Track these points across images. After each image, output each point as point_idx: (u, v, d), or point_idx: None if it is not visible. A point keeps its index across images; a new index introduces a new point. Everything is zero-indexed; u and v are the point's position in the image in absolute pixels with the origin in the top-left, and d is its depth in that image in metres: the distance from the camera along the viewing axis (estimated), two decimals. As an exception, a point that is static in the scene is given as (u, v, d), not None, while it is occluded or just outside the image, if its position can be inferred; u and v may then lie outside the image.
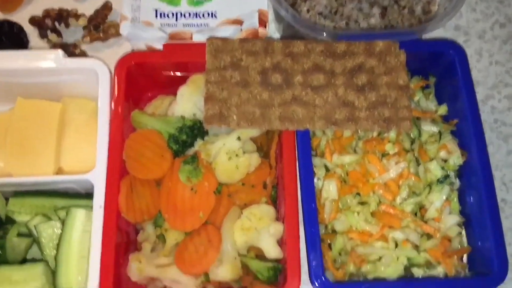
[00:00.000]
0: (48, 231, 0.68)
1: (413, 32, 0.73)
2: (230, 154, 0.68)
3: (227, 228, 0.66)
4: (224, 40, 0.71)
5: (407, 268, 0.68)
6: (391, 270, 0.66)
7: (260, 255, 0.69)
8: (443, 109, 0.76)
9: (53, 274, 0.67)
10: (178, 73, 0.75)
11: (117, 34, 0.84)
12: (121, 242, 0.67)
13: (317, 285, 0.63)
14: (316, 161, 0.71)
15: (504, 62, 0.87)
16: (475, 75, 0.86)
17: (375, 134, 0.72)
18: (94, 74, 0.72)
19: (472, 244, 0.71)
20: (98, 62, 0.72)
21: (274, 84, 0.69)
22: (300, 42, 0.71)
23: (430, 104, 0.77)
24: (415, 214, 0.70)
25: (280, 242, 0.69)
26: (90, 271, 0.64)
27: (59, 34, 0.85)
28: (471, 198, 0.71)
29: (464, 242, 0.72)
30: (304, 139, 0.69)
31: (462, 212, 0.72)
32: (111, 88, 0.71)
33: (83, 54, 0.85)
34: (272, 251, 0.67)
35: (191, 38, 0.76)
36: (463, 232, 0.72)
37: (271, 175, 0.72)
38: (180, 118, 0.71)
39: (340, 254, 0.69)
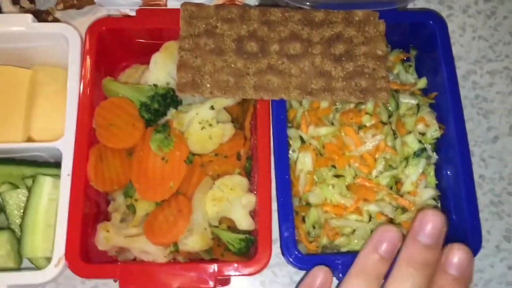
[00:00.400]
0: (14, 199, 0.66)
1: (394, 2, 0.71)
2: (203, 124, 0.67)
3: (198, 198, 0.65)
4: (199, 6, 0.69)
5: (380, 241, 0.67)
6: (364, 243, 0.65)
7: (232, 227, 0.68)
8: (422, 83, 0.75)
9: (18, 242, 0.65)
10: (152, 41, 0.72)
11: (92, 1, 0.81)
12: (89, 211, 0.66)
13: (288, 256, 0.62)
14: (291, 132, 0.70)
15: (488, 37, 0.85)
16: (458, 49, 0.84)
17: (352, 105, 0.70)
18: (65, 40, 0.70)
19: (448, 218, 0.70)
20: (68, 27, 0.70)
21: (250, 53, 0.67)
22: (278, 10, 0.69)
23: (409, 77, 0.76)
24: (391, 188, 0.69)
25: (253, 214, 0.67)
26: (56, 239, 0.62)
27: (32, 0, 0.82)
28: (448, 172, 0.70)
29: (439, 216, 0.71)
30: (279, 109, 0.67)
31: (438, 186, 0.71)
32: (82, 54, 0.69)
33: (56, 22, 0.82)
34: (244, 222, 0.66)
35: (166, 4, 0.73)
36: (439, 206, 0.71)
37: (245, 146, 0.70)
38: (153, 87, 0.69)
39: (314, 227, 0.68)
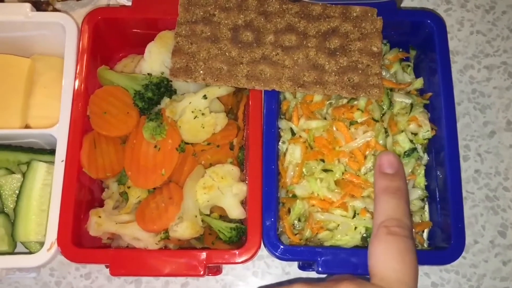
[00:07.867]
0: (9, 184, 0.67)
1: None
2: (195, 113, 0.67)
3: (189, 186, 0.65)
4: (199, -7, 0.69)
5: (364, 238, 0.66)
6: (347, 238, 0.65)
7: (224, 216, 0.68)
8: (419, 83, 0.73)
9: (13, 226, 0.66)
10: (148, 31, 0.73)
11: (92, -8, 0.83)
12: (83, 198, 0.67)
13: (268, 246, 0.62)
14: (282, 123, 0.70)
15: (486, 32, 0.85)
16: (456, 44, 0.84)
17: (345, 101, 0.70)
18: (62, 29, 0.71)
19: (434, 219, 0.69)
20: (65, 16, 0.71)
21: (245, 42, 0.68)
22: (275, 1, 0.70)
23: (407, 76, 0.74)
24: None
25: (245, 203, 0.68)
26: (49, 224, 0.63)
27: (32, -9, 0.83)
28: (438, 173, 0.69)
29: (426, 217, 0.70)
30: (271, 100, 0.68)
31: (428, 188, 0.70)
32: (78, 43, 0.70)
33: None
34: (235, 211, 0.66)
35: (162, -6, 0.74)
36: (426, 207, 0.70)
37: (238, 136, 0.71)
38: (147, 76, 0.70)
39: (300, 220, 0.68)
